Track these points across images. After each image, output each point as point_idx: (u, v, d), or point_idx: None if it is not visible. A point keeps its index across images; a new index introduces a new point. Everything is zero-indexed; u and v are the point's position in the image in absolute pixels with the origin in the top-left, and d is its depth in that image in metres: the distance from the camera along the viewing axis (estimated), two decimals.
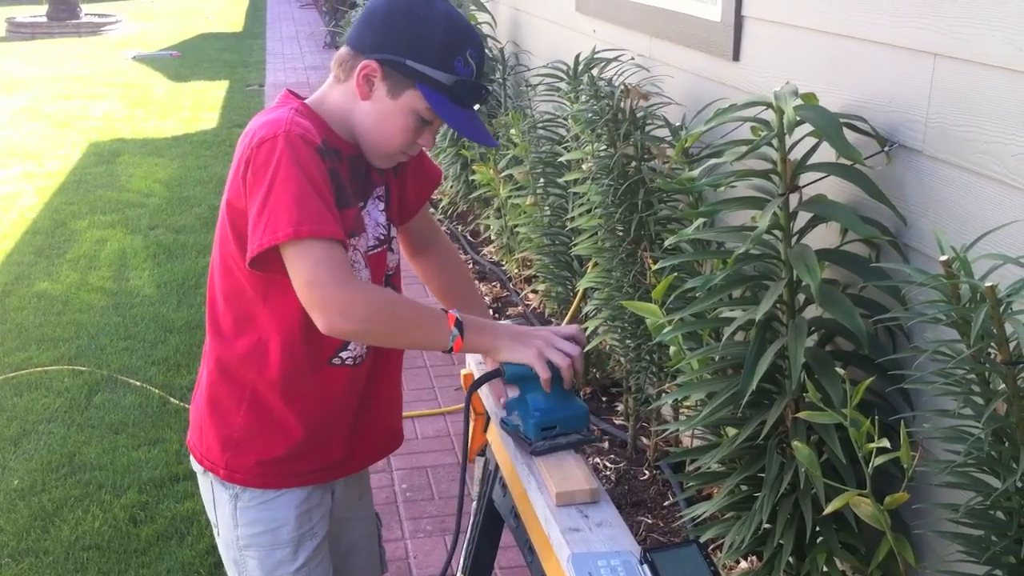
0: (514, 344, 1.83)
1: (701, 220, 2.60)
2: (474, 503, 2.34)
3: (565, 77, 3.94)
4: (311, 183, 1.69)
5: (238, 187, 1.77)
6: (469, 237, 6.21)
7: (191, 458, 2.05)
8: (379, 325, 1.77)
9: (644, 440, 3.80)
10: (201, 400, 2.00)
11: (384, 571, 2.34)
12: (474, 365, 2.24)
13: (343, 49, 1.86)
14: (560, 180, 4.09)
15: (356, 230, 1.87)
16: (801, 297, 2.27)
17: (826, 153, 2.25)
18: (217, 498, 2.00)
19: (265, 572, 1.99)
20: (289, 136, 1.71)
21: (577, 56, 3.90)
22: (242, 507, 1.97)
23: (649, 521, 3.38)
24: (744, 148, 2.21)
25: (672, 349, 2.56)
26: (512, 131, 4.67)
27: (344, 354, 1.92)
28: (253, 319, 1.88)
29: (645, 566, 1.55)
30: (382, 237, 1.97)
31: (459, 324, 1.78)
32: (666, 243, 2.68)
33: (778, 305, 2.25)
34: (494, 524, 2.25)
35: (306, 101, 1.89)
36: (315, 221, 1.68)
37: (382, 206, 1.97)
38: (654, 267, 3.01)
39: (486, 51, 1.92)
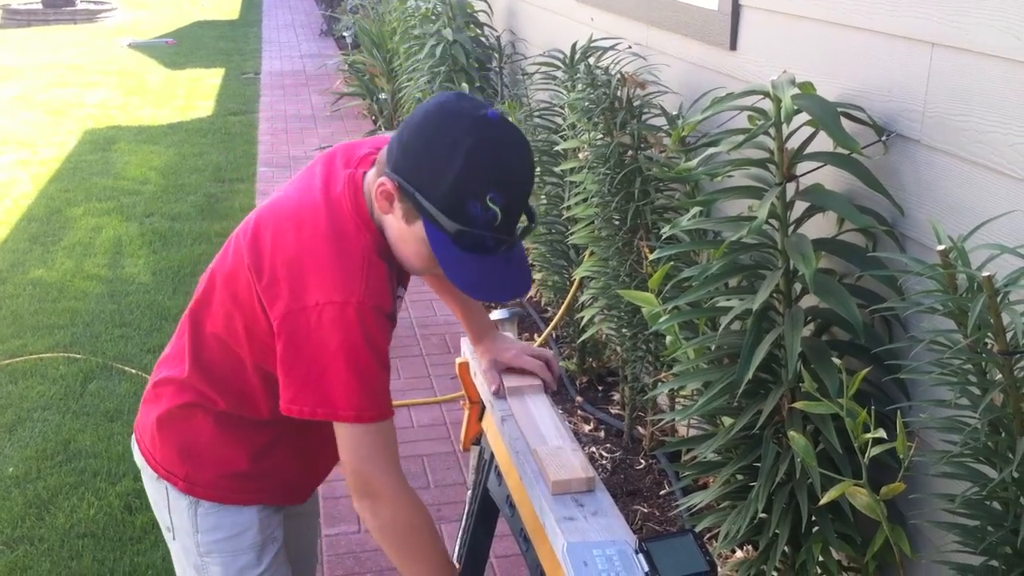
0: None
1: (697, 209, 2.60)
2: (469, 492, 2.33)
3: (562, 66, 3.93)
4: (378, 359, 1.67)
5: (256, 291, 1.73)
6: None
7: (138, 456, 1.98)
8: (389, 539, 1.79)
9: (640, 429, 3.80)
10: (161, 410, 1.92)
11: (316, 562, 2.37)
12: (468, 353, 2.24)
13: (384, 150, 1.72)
14: (557, 169, 4.08)
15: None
16: (798, 287, 2.27)
17: (823, 142, 2.24)
18: (173, 504, 1.94)
19: None
20: (362, 310, 1.64)
21: (574, 45, 3.89)
22: (203, 513, 1.92)
23: (645, 510, 3.38)
24: (741, 137, 2.21)
25: (668, 338, 2.55)
26: (509, 118, 4.65)
27: None
28: (246, 390, 1.87)
29: (640, 555, 1.54)
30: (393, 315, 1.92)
31: None
32: (663, 232, 2.67)
33: (775, 295, 2.24)
34: (489, 513, 2.25)
35: (366, 189, 1.75)
36: (378, 406, 1.69)
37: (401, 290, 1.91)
38: (651, 256, 3.00)
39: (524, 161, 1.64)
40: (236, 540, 1.94)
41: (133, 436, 2.03)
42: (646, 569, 1.51)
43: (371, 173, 1.75)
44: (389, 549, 1.80)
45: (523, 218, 1.71)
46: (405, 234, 1.68)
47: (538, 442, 1.85)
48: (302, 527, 2.22)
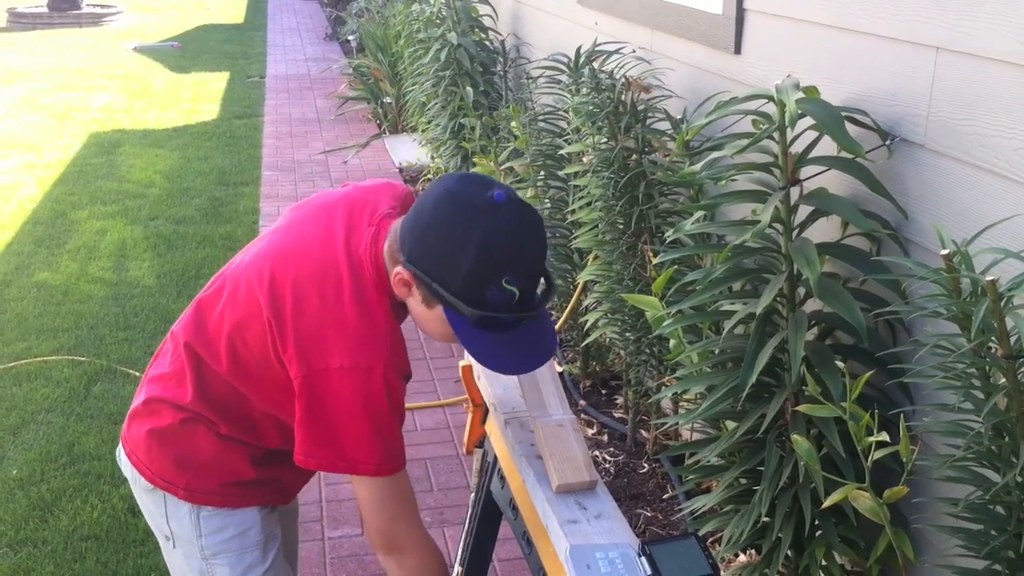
0: None
1: (701, 213, 2.60)
2: (472, 495, 2.33)
3: (566, 70, 3.93)
4: (398, 418, 1.72)
5: (275, 345, 1.76)
6: None
7: (129, 468, 1.97)
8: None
9: (643, 433, 3.80)
10: (158, 424, 1.92)
11: (296, 560, 2.41)
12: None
13: (396, 228, 1.75)
14: (561, 173, 4.08)
15: None
16: (801, 291, 2.27)
17: (827, 146, 2.24)
18: (172, 511, 1.93)
19: None
20: (388, 374, 1.69)
21: (578, 49, 3.89)
22: (206, 516, 1.92)
23: (648, 514, 3.38)
24: (745, 141, 2.21)
25: (672, 342, 2.55)
26: (513, 124, 4.66)
27: None
28: (255, 425, 1.90)
29: (643, 558, 1.54)
30: None
31: None
32: (666, 236, 2.67)
33: (778, 298, 2.24)
34: (492, 516, 2.25)
35: (385, 257, 1.76)
36: (395, 459, 1.74)
37: None
38: (654, 260, 3.00)
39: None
40: (242, 539, 1.95)
41: (120, 448, 2.01)
42: (649, 572, 1.51)
43: (387, 245, 1.77)
44: None
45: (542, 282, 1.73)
46: (427, 315, 1.73)
47: (537, 406, 1.85)
48: (289, 525, 2.25)
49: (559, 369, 4.39)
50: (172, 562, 2.02)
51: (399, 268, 1.68)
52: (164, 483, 1.91)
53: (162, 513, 1.94)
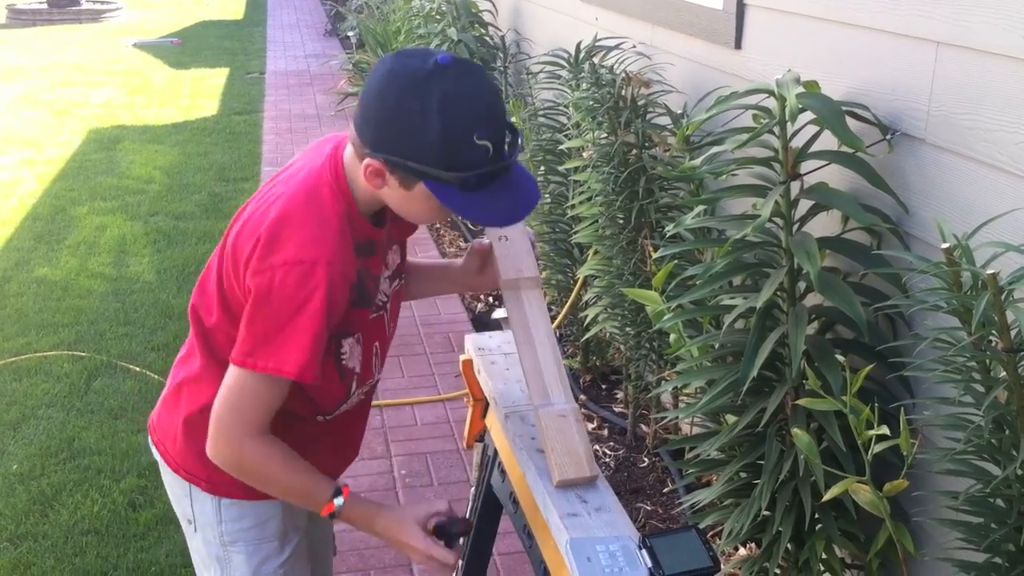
0: (385, 541, 1.87)
1: (702, 208, 2.60)
2: (472, 489, 2.34)
3: (566, 65, 3.93)
4: (327, 324, 1.68)
5: (236, 272, 1.74)
6: (470, 225, 6.21)
7: (157, 454, 1.99)
8: (247, 480, 1.81)
9: (644, 427, 3.80)
10: (177, 410, 1.93)
11: (334, 554, 2.37)
12: (473, 351, 2.24)
13: (352, 129, 1.72)
14: (561, 168, 4.08)
15: (368, 317, 1.86)
16: (802, 285, 2.27)
17: (828, 141, 2.24)
18: (195, 496, 1.95)
19: (252, 567, 1.96)
20: (331, 273, 1.65)
21: (578, 44, 3.89)
22: (227, 504, 1.93)
23: (648, 508, 3.38)
24: (745, 136, 2.21)
25: (672, 336, 2.55)
26: (513, 119, 4.66)
27: (339, 411, 1.93)
28: None
29: (644, 551, 1.55)
30: (381, 303, 1.90)
31: (332, 516, 1.82)
32: (667, 231, 2.67)
33: (779, 293, 2.25)
34: (492, 510, 2.25)
35: (345, 163, 1.76)
36: (316, 369, 1.68)
37: (387, 272, 1.91)
38: (655, 255, 3.00)
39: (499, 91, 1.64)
40: (260, 529, 1.95)
41: (149, 436, 2.03)
42: (649, 565, 1.51)
43: (348, 152, 1.76)
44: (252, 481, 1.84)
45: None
46: (407, 197, 1.69)
47: (539, 394, 1.83)
48: (317, 518, 2.17)
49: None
50: (193, 546, 2.03)
51: (367, 160, 1.66)
52: (187, 475, 1.93)
53: (187, 495, 1.95)
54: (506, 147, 1.67)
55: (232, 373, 1.71)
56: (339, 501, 1.80)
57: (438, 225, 6.34)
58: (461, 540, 1.92)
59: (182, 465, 1.94)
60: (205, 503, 1.94)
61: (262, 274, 1.65)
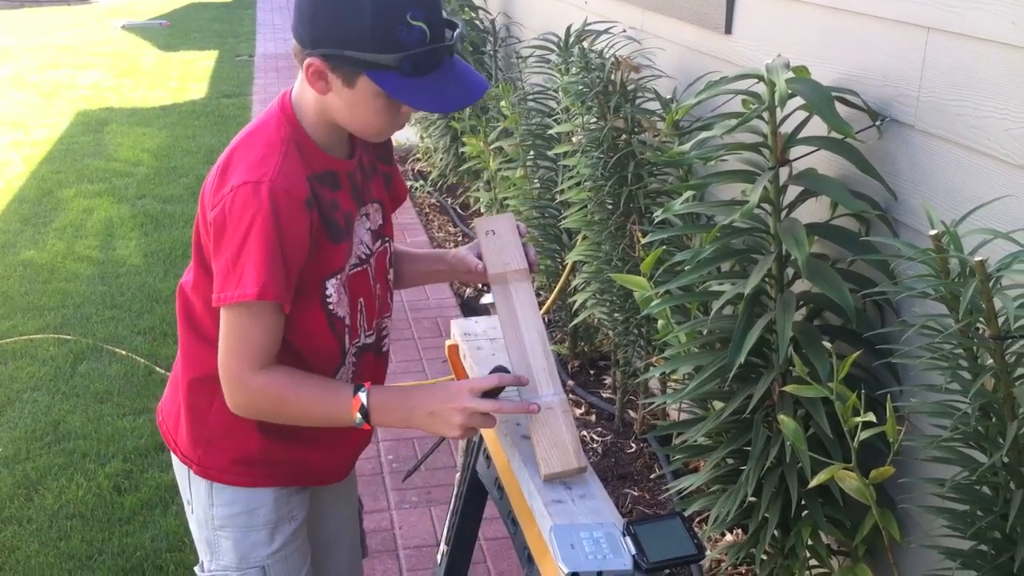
0: (432, 421, 1.75)
1: (690, 193, 2.59)
2: (458, 474, 2.33)
3: (556, 49, 3.91)
4: (282, 245, 1.65)
5: (204, 220, 1.74)
6: (459, 210, 6.19)
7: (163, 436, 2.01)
8: (272, 417, 1.80)
9: (631, 413, 3.80)
10: (178, 392, 1.94)
11: (364, 555, 2.30)
12: (459, 336, 2.23)
13: (293, 41, 1.72)
14: (550, 153, 4.07)
15: (348, 258, 1.82)
16: (790, 271, 2.27)
17: (817, 127, 2.23)
18: (192, 478, 1.95)
19: (239, 555, 1.94)
20: (274, 188, 1.64)
21: (568, 28, 3.87)
22: (219, 488, 1.92)
23: (635, 494, 3.38)
24: (734, 121, 2.20)
25: (660, 322, 2.55)
26: (502, 103, 4.64)
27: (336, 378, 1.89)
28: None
29: (628, 538, 1.54)
30: (363, 256, 1.89)
31: (363, 410, 1.73)
32: (655, 216, 2.66)
33: (767, 279, 2.24)
34: (478, 496, 2.25)
35: (293, 94, 1.77)
36: (278, 289, 1.65)
37: (368, 223, 1.90)
38: (643, 240, 2.99)
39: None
40: (249, 516, 1.92)
41: (158, 417, 2.04)
42: (633, 552, 1.51)
43: (296, 84, 1.77)
44: (280, 420, 1.82)
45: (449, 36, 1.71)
46: (353, 100, 1.68)
47: (520, 362, 1.80)
48: (330, 511, 2.15)
49: None
50: (191, 528, 2.02)
51: (307, 61, 1.66)
52: (182, 457, 1.94)
53: (185, 476, 1.96)
54: (446, 31, 1.67)
55: (220, 319, 1.71)
56: (363, 394, 1.72)
57: (427, 211, 6.32)
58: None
59: (180, 447, 1.94)
60: (200, 486, 1.93)
61: (216, 206, 1.67)
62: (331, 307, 1.79)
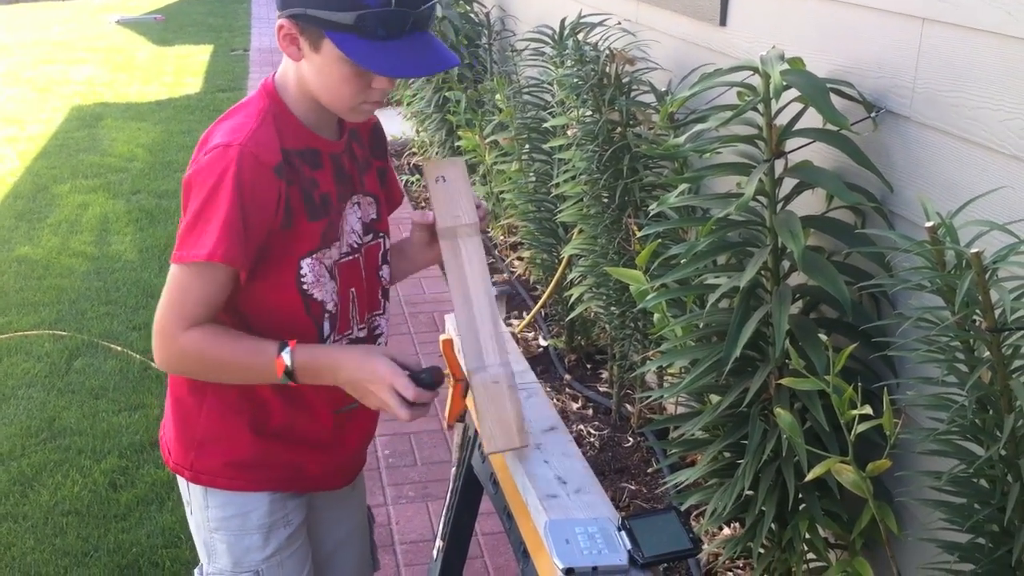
0: (355, 391, 1.76)
1: (686, 186, 2.58)
2: (453, 469, 2.32)
3: (551, 42, 3.90)
4: (244, 209, 1.64)
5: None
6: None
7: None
8: (198, 374, 1.79)
9: (628, 407, 3.79)
10: (168, 396, 1.94)
11: (376, 568, 2.26)
12: (453, 331, 2.22)
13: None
14: (545, 146, 4.06)
15: (327, 240, 1.79)
16: (786, 264, 2.26)
17: (812, 119, 2.22)
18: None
19: (234, 558, 1.92)
20: (243, 152, 1.64)
21: (563, 21, 3.86)
22: (213, 490, 1.90)
23: (632, 488, 3.37)
24: (729, 113, 2.19)
25: (656, 316, 2.54)
26: (498, 97, 4.63)
27: None
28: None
29: (623, 533, 1.53)
30: (354, 245, 1.87)
31: (288, 371, 1.70)
32: (651, 209, 2.65)
33: (762, 272, 2.23)
34: (473, 490, 2.24)
35: (277, 72, 1.77)
36: (229, 250, 1.63)
37: (359, 213, 1.88)
38: (639, 234, 2.99)
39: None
40: (242, 519, 1.90)
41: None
42: (629, 547, 1.50)
43: (283, 62, 1.77)
44: (201, 377, 1.81)
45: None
46: (321, 66, 1.66)
47: (474, 355, 1.77)
48: (335, 519, 2.12)
49: (543, 343, 4.38)
50: (191, 529, 2.01)
51: (278, 23, 1.66)
52: (175, 465, 1.92)
53: (184, 478, 1.94)
54: (414, 1, 1.63)
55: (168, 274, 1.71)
56: (287, 354, 1.70)
57: (422, 205, 6.31)
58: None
59: (172, 454, 1.93)
60: (196, 488, 1.92)
61: (189, 169, 1.69)
62: (306, 288, 1.77)
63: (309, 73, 1.70)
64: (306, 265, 1.75)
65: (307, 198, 1.73)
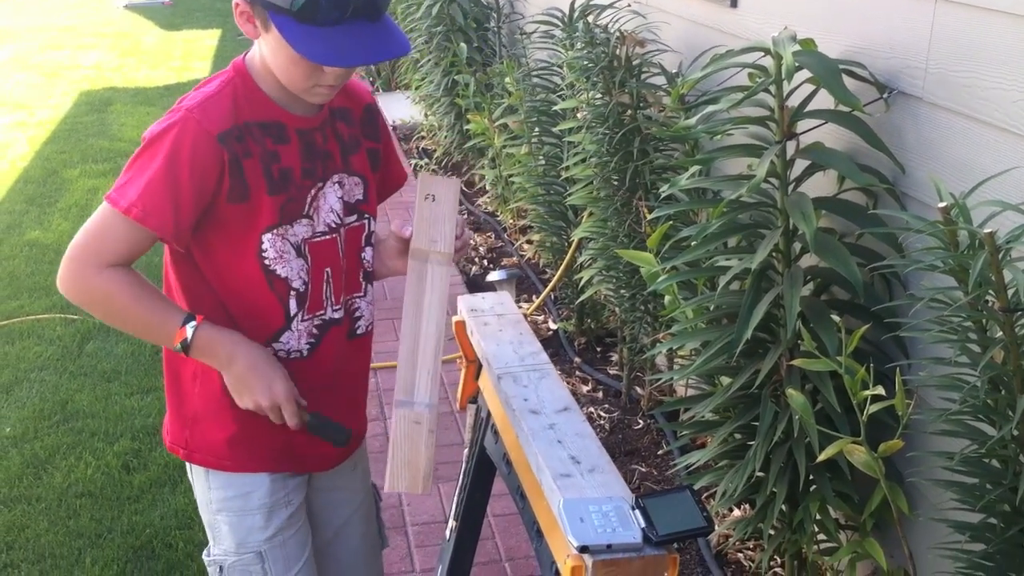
0: (238, 385, 1.78)
1: (697, 168, 2.58)
2: (466, 450, 2.33)
3: (560, 24, 3.89)
4: (177, 173, 1.66)
5: None
6: (464, 188, 6.18)
7: None
8: (96, 311, 1.78)
9: (638, 390, 3.80)
10: (165, 373, 1.95)
11: (385, 545, 2.25)
12: (466, 312, 2.23)
13: None
14: (555, 129, 4.05)
15: (287, 215, 1.76)
16: (797, 246, 2.26)
17: (824, 100, 2.22)
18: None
19: (237, 539, 1.92)
20: (187, 117, 1.68)
21: (572, 3, 3.85)
22: (214, 471, 1.92)
23: (643, 470, 3.38)
24: (741, 95, 2.19)
25: (667, 298, 2.54)
26: (507, 80, 4.63)
27: (277, 345, 1.84)
28: (186, 293, 1.85)
29: (637, 511, 1.54)
30: (332, 224, 1.84)
31: (185, 343, 1.73)
32: (661, 192, 2.65)
33: (774, 254, 2.23)
34: (486, 472, 2.25)
35: (247, 60, 1.78)
36: (148, 211, 1.66)
37: (340, 192, 1.85)
38: (649, 216, 2.99)
39: None
40: (243, 500, 1.91)
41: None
42: (643, 525, 1.51)
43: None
44: (106, 321, 1.82)
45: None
46: (272, 44, 1.67)
47: (405, 387, 1.73)
48: (339, 499, 2.10)
49: (553, 326, 4.39)
50: (200, 511, 2.01)
51: (234, 2, 1.67)
52: (171, 443, 1.94)
53: (179, 457, 1.96)
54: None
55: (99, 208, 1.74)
56: (191, 327, 1.73)
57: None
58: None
59: (170, 431, 1.94)
60: (198, 469, 1.93)
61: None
62: (268, 263, 1.77)
63: (266, 52, 1.71)
64: (267, 240, 1.75)
65: (267, 172, 1.74)
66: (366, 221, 1.92)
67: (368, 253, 1.94)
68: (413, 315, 1.76)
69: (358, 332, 1.96)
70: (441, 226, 1.81)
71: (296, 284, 1.81)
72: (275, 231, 1.76)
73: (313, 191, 1.80)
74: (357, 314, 1.95)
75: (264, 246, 1.75)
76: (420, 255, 1.80)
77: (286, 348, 1.85)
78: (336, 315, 1.89)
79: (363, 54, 1.66)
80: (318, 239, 1.82)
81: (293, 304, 1.82)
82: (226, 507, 1.92)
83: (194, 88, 1.77)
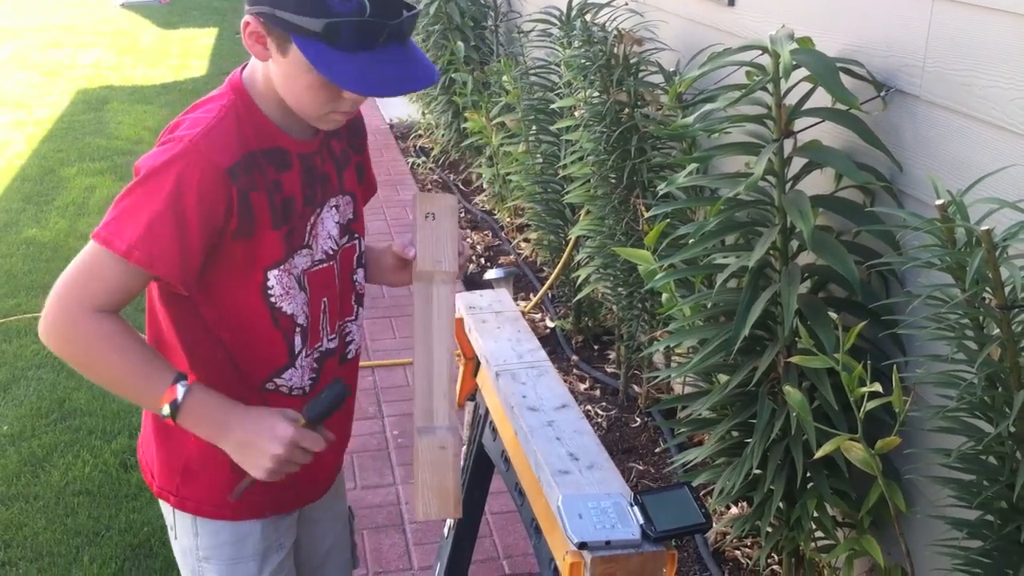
0: (241, 452, 1.58)
1: (694, 166, 2.58)
2: (464, 448, 2.33)
3: (557, 23, 3.89)
4: (182, 211, 1.51)
5: None
6: (461, 186, 6.18)
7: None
8: (80, 364, 1.60)
9: (636, 387, 3.80)
10: (146, 413, 1.80)
11: (355, 566, 2.14)
12: (463, 310, 2.23)
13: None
14: (552, 127, 4.06)
15: (291, 247, 1.65)
16: (794, 243, 2.26)
17: (821, 98, 2.22)
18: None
19: None
20: (192, 150, 1.52)
21: (570, 1, 3.85)
22: (203, 519, 1.79)
23: (640, 467, 3.39)
24: (738, 93, 2.19)
25: (664, 296, 2.54)
26: (504, 78, 4.63)
27: (279, 380, 1.72)
28: (178, 332, 1.70)
29: (635, 508, 1.54)
30: (330, 252, 1.73)
31: (174, 405, 1.54)
32: (659, 190, 2.66)
33: (771, 252, 2.23)
34: (484, 469, 2.25)
35: (248, 66, 1.64)
36: (154, 255, 1.51)
37: (337, 216, 1.74)
38: (647, 214, 2.99)
39: None
40: (237, 547, 1.80)
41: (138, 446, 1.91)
42: (641, 521, 1.51)
43: (253, 57, 1.64)
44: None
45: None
46: (288, 71, 1.54)
47: (424, 413, 1.69)
48: (323, 531, 2.01)
49: (550, 324, 4.39)
50: (175, 554, 1.89)
51: (245, 19, 1.52)
52: (159, 490, 1.81)
53: (169, 504, 1.82)
54: (396, 10, 1.51)
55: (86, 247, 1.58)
56: (182, 386, 1.54)
57: (429, 188, 6.31)
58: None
59: (155, 477, 1.80)
60: (183, 515, 1.80)
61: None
62: (273, 300, 1.65)
63: (276, 75, 1.57)
64: (273, 277, 1.64)
65: (271, 204, 1.61)
66: (356, 241, 1.82)
67: (360, 275, 1.84)
68: (424, 340, 1.71)
69: (348, 356, 1.86)
70: (444, 245, 1.77)
71: (300, 319, 1.70)
72: (281, 267, 1.64)
73: (312, 218, 1.69)
74: (349, 338, 1.85)
75: (270, 283, 1.64)
76: (425, 276, 1.75)
77: (288, 385, 1.73)
78: (331, 344, 1.79)
79: (398, 82, 1.54)
80: (316, 268, 1.71)
81: (298, 340, 1.70)
82: (216, 555, 1.80)
83: (188, 110, 1.63)
